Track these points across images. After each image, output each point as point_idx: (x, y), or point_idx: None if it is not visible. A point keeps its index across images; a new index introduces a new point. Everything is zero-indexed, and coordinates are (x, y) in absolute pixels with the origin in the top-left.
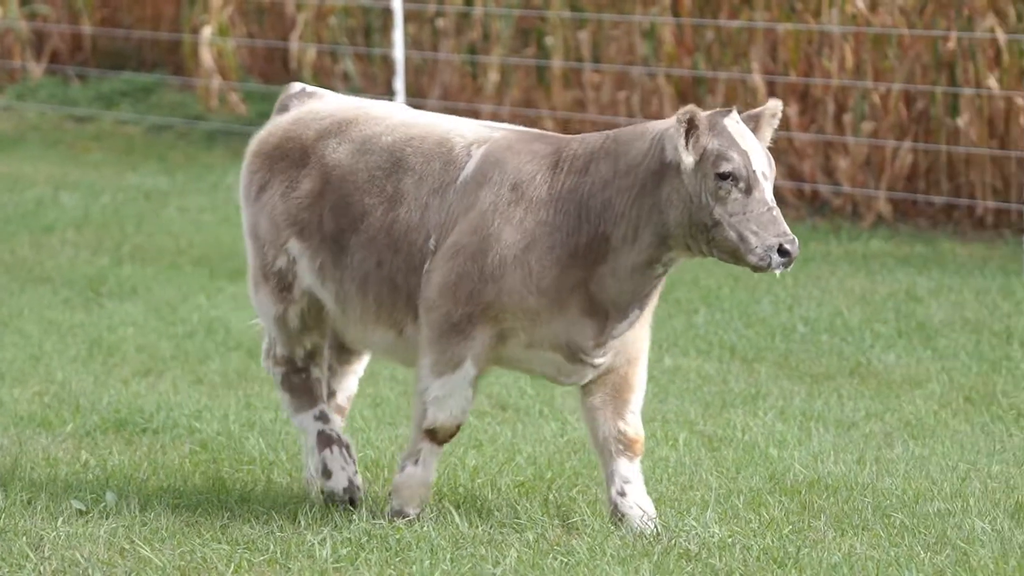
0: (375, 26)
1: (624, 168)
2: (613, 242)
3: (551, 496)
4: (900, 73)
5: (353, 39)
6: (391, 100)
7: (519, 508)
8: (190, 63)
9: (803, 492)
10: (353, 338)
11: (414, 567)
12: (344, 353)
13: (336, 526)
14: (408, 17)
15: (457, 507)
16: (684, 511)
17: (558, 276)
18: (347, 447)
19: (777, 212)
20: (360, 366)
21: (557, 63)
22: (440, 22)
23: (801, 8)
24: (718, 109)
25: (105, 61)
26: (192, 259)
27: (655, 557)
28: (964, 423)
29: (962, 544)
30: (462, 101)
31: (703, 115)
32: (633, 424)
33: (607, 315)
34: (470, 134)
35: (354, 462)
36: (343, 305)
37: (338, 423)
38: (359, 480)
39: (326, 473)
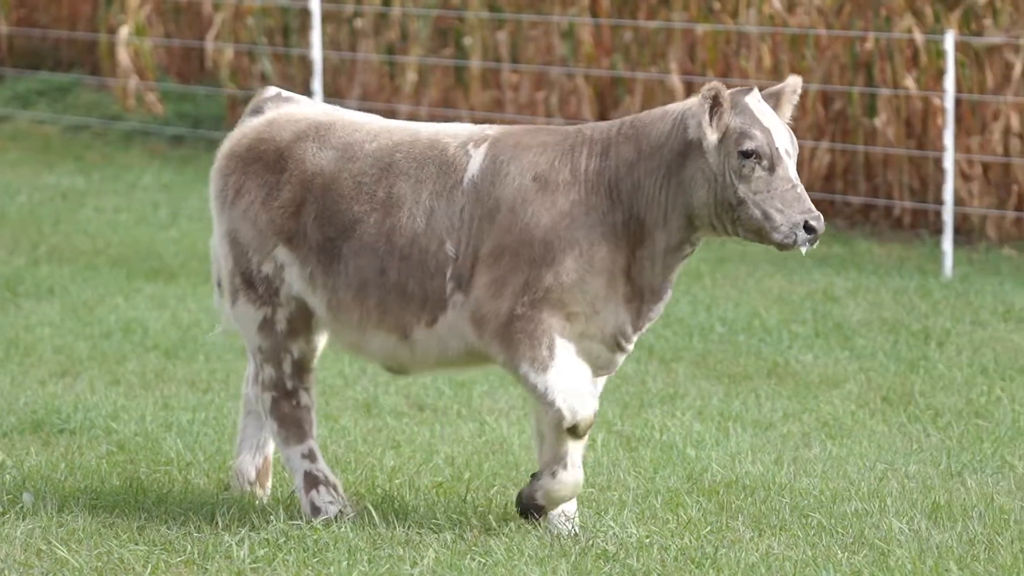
0: (293, 26)
1: (648, 150)
2: (648, 225)
3: (469, 497)
4: (817, 73)
5: (271, 39)
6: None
7: (437, 509)
8: (107, 63)
9: (721, 492)
10: (347, 342)
11: (332, 568)
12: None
13: (254, 527)
14: (326, 17)
15: (375, 507)
16: (602, 511)
17: (607, 254)
18: (334, 487)
19: (801, 189)
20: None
21: (475, 63)
22: (358, 22)
23: (719, 8)
24: (739, 87)
25: (22, 61)
26: (109, 259)
27: (572, 557)
28: (881, 423)
29: (880, 544)
30: (380, 101)
31: (726, 92)
32: None
33: (643, 299)
34: (461, 134)
35: (342, 498)
36: (336, 312)
37: (322, 463)
38: (349, 511)
39: (315, 511)
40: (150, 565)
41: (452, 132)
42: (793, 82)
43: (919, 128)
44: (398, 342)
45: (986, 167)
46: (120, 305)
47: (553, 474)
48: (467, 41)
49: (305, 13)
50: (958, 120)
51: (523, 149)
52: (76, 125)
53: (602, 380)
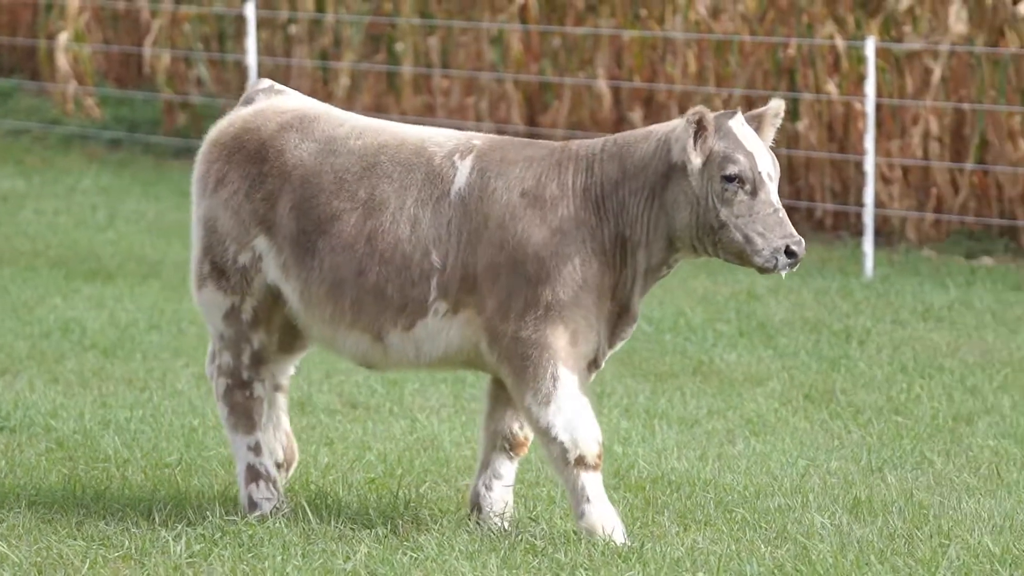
0: (228, 32)
1: (632, 170)
2: (631, 244)
3: (401, 493)
4: (741, 79)
5: (207, 45)
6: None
7: (370, 505)
8: (46, 68)
9: (647, 488)
10: (318, 336)
11: (266, 563)
12: (287, 343)
13: (190, 522)
14: (261, 24)
15: (309, 503)
16: (531, 507)
17: (598, 271)
18: (274, 482)
19: (783, 214)
20: (298, 359)
21: (407, 69)
22: (292, 29)
23: (645, 15)
24: (723, 111)
25: None
26: (48, 261)
27: (502, 552)
28: (804, 420)
29: (802, 539)
30: None
31: (711, 116)
32: (527, 428)
33: (619, 317)
34: (447, 143)
35: (280, 493)
36: (307, 305)
37: (274, 455)
38: (285, 507)
39: (252, 505)
40: (88, 560)
41: (438, 141)
42: (775, 105)
43: (840, 132)
44: (372, 343)
45: (906, 170)
46: (59, 305)
47: (581, 514)
48: (399, 47)
49: (240, 20)
50: (879, 124)
51: (509, 164)
52: (16, 129)
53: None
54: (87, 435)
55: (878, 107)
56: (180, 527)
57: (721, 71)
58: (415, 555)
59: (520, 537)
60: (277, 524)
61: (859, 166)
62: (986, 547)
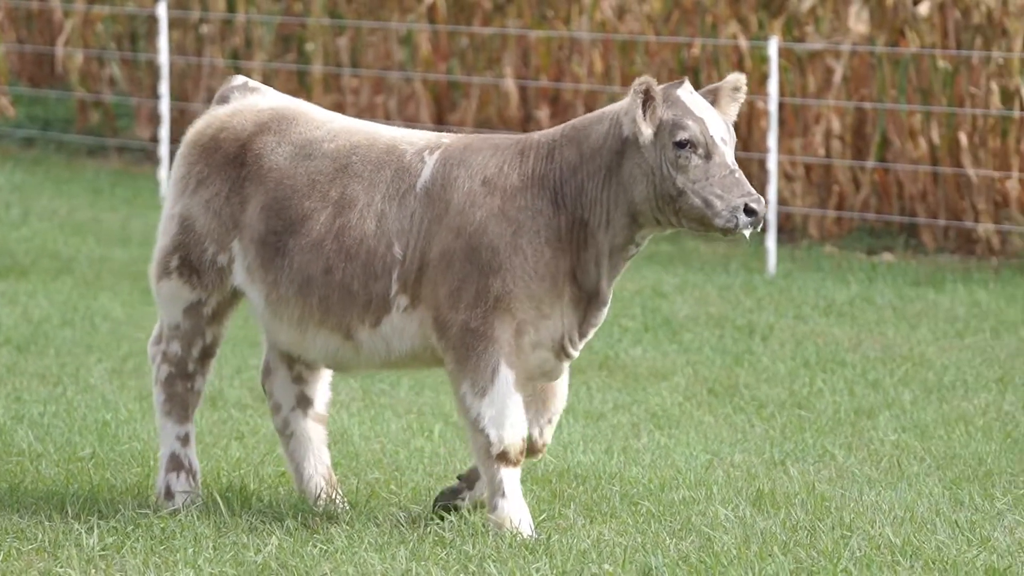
0: (141, 32)
1: (588, 152)
2: (591, 227)
3: None
4: None
5: (119, 45)
6: (156, 103)
7: (280, 498)
8: None
9: (553, 481)
10: (286, 340)
11: (178, 555)
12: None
13: (102, 515)
14: (173, 24)
15: (220, 496)
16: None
17: (551, 259)
18: (194, 476)
19: (740, 175)
20: (329, 371)
21: (317, 68)
22: (204, 28)
23: (552, 15)
24: (671, 82)
25: None
26: None
27: (411, 544)
28: (708, 414)
29: (706, 530)
30: None
31: (657, 87)
32: (546, 434)
33: (588, 302)
34: (419, 141)
35: (197, 488)
36: (274, 307)
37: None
38: (198, 499)
39: (167, 495)
40: (2, 552)
41: (410, 139)
42: (733, 79)
43: (744, 131)
44: (342, 342)
45: (808, 168)
46: None
47: (494, 507)
48: (309, 47)
49: (152, 19)
50: (781, 123)
51: (473, 152)
52: None
53: (561, 405)
54: (1, 430)
55: (781, 106)
56: (93, 520)
57: (627, 70)
58: (325, 547)
59: (428, 529)
60: (189, 517)
61: (762, 164)
62: (887, 538)
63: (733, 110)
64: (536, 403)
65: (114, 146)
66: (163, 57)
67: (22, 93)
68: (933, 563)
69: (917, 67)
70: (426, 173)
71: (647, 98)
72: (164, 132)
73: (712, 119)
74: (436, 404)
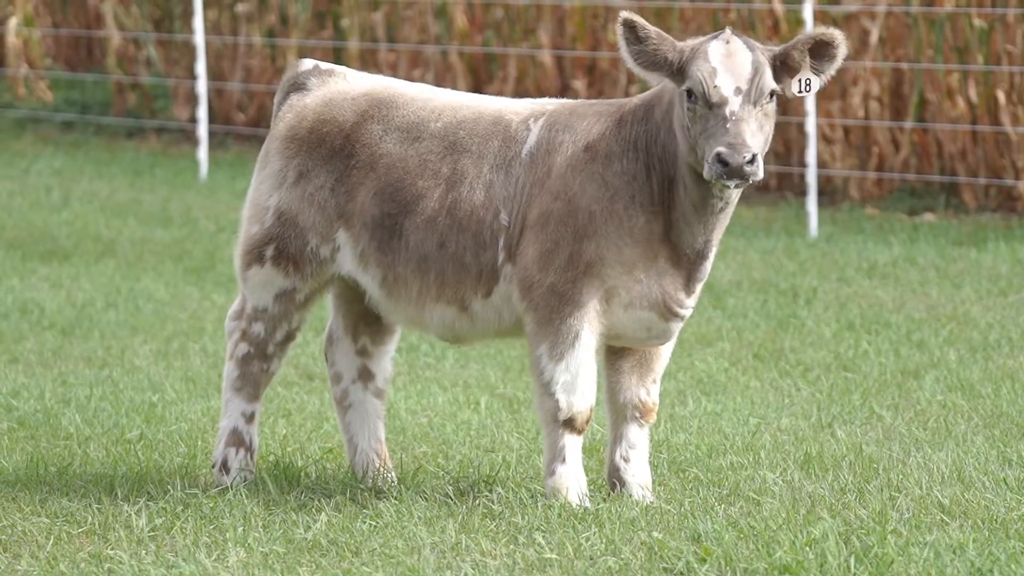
0: (176, 13)
1: (663, 112)
2: (675, 185)
3: None
4: None
5: (156, 26)
6: (193, 84)
7: (328, 474)
8: None
9: (601, 450)
10: (404, 317)
11: (228, 534)
12: (378, 334)
13: (151, 497)
14: (208, 3)
15: (269, 475)
16: (487, 472)
17: (645, 224)
18: (252, 453)
19: (733, 123)
20: (393, 346)
21: (353, 44)
22: (239, 7)
23: None
24: (716, 32)
25: None
26: (5, 242)
27: (460, 517)
28: (754, 379)
29: (754, 495)
30: (263, 83)
31: (640, 20)
32: (653, 394)
33: (690, 261)
34: (523, 110)
35: (253, 467)
36: (391, 287)
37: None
38: (249, 476)
39: (223, 468)
40: (52, 536)
41: (515, 109)
42: (813, 33)
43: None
44: (458, 314)
45: (847, 130)
46: (16, 286)
47: (552, 472)
48: (345, 23)
49: (187, 0)
50: None
51: (578, 117)
52: None
53: (664, 365)
54: (48, 414)
55: None
56: (142, 501)
57: None
58: (374, 522)
59: (477, 501)
60: (238, 496)
61: (801, 127)
62: (935, 498)
63: (824, 66)
64: (640, 366)
65: (152, 127)
66: (199, 37)
67: (59, 77)
68: (982, 522)
69: (953, 26)
70: (531, 139)
71: (629, 31)
72: (202, 112)
73: (728, 71)
74: (482, 376)
